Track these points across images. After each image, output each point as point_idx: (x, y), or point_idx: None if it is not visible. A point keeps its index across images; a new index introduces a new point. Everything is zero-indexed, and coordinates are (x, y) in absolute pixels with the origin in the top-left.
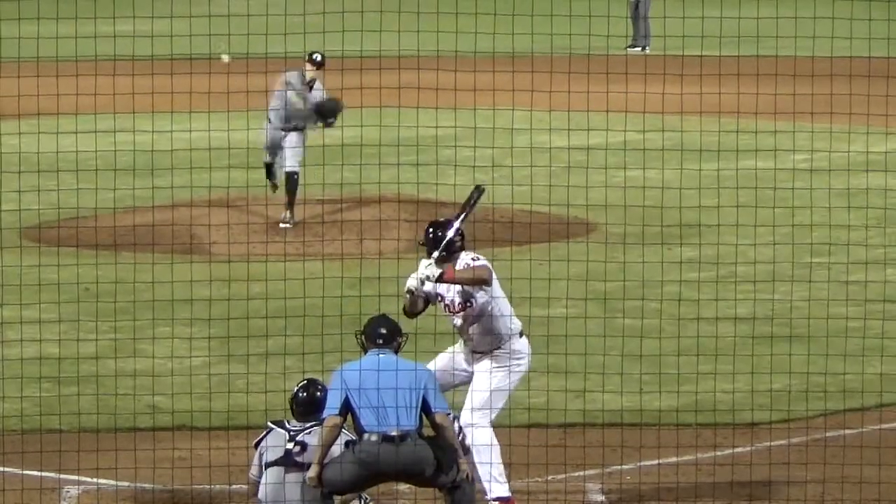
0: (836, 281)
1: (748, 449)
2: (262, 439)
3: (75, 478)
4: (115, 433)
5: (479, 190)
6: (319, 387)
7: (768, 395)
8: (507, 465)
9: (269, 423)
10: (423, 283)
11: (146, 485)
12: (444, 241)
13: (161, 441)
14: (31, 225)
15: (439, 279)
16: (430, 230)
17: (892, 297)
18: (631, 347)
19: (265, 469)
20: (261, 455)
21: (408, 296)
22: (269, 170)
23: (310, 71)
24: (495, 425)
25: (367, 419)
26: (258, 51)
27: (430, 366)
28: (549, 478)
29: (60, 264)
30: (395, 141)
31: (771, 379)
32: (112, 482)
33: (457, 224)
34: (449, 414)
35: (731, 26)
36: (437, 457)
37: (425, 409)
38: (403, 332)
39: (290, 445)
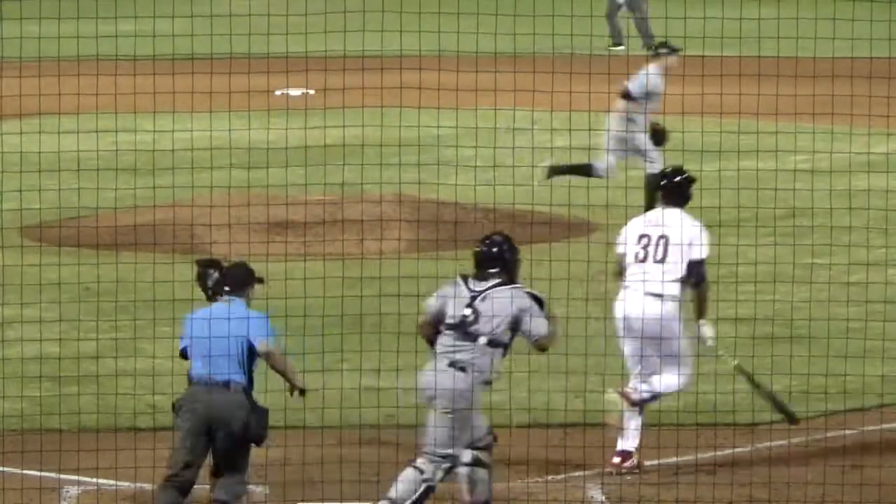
0: (837, 282)
1: (748, 449)
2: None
3: (75, 477)
4: (115, 433)
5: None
6: (498, 242)
7: (768, 396)
8: (507, 465)
9: (459, 275)
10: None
11: (146, 484)
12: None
13: (161, 441)
14: (32, 224)
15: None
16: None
17: (893, 298)
18: None
19: (444, 331)
20: (443, 297)
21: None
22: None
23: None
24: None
25: (195, 367)
26: (259, 51)
27: None
28: (549, 478)
29: (61, 263)
30: (395, 141)
31: (771, 379)
32: (112, 482)
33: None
34: (266, 339)
35: (733, 27)
36: (249, 415)
37: (251, 350)
38: (259, 278)
39: (467, 311)
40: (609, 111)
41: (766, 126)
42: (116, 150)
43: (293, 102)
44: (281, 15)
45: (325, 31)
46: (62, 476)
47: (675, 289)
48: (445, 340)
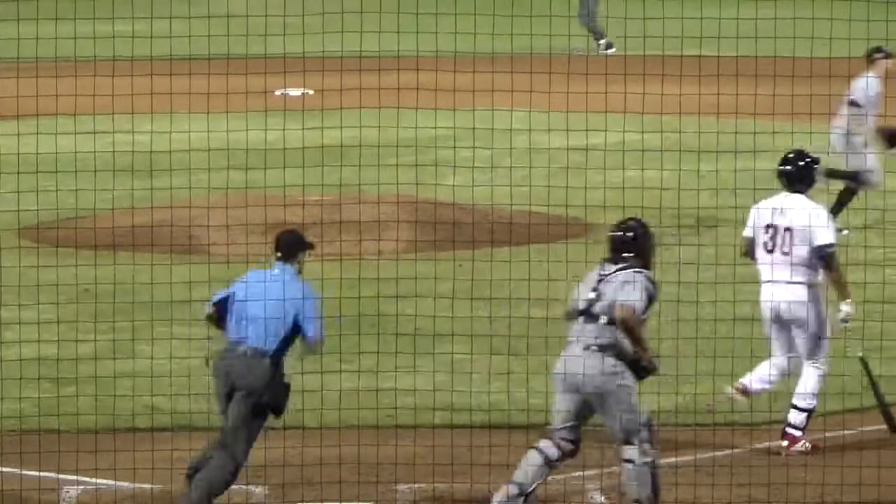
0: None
1: (747, 449)
2: None
3: (74, 478)
4: (113, 433)
5: None
6: (633, 227)
7: (768, 395)
8: (507, 466)
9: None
10: None
11: (145, 485)
12: None
13: (160, 441)
14: (30, 225)
15: None
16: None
17: (890, 298)
18: None
19: (576, 316)
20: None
21: None
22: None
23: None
24: (494, 424)
25: (230, 327)
26: (257, 51)
27: None
28: (549, 478)
29: (59, 265)
30: (393, 141)
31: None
32: (111, 482)
33: None
34: (312, 337)
35: (730, 27)
36: (270, 386)
37: (295, 325)
38: (309, 244)
39: (591, 294)
40: (833, 121)
41: (763, 126)
42: (114, 151)
43: (292, 103)
44: (279, 15)
45: (322, 32)
46: (61, 476)
47: (803, 275)
48: (576, 325)
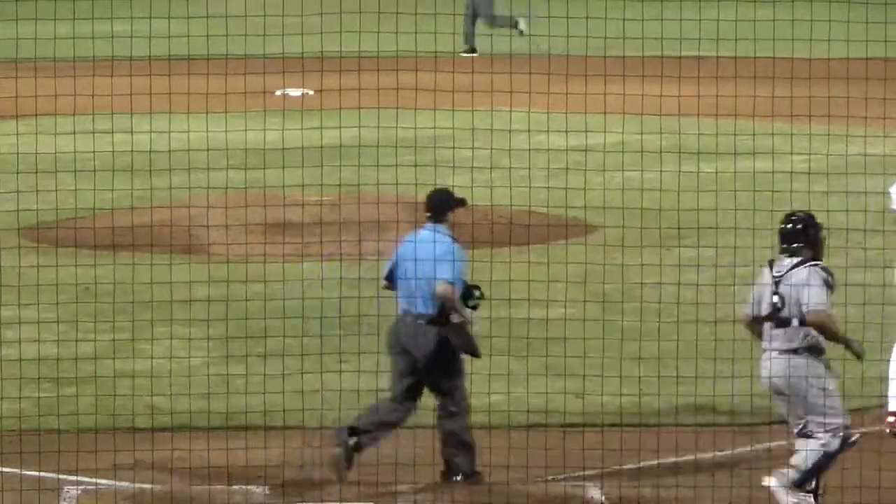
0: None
1: (747, 450)
2: None
3: (74, 478)
4: (113, 433)
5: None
6: (801, 218)
7: (767, 397)
8: (506, 467)
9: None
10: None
11: (145, 485)
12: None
13: (160, 441)
14: (30, 225)
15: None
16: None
17: (890, 299)
18: (630, 349)
19: (763, 322)
20: (756, 286)
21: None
22: None
23: None
24: (494, 426)
25: (400, 294)
26: (256, 51)
27: None
28: (549, 478)
29: (59, 264)
30: (392, 141)
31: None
32: (111, 482)
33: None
34: (446, 282)
35: (729, 28)
36: (442, 347)
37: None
38: (458, 201)
39: (775, 299)
40: None
41: (762, 127)
42: (113, 151)
43: (292, 103)
44: (279, 15)
45: (321, 32)
46: (61, 476)
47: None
48: (768, 330)
